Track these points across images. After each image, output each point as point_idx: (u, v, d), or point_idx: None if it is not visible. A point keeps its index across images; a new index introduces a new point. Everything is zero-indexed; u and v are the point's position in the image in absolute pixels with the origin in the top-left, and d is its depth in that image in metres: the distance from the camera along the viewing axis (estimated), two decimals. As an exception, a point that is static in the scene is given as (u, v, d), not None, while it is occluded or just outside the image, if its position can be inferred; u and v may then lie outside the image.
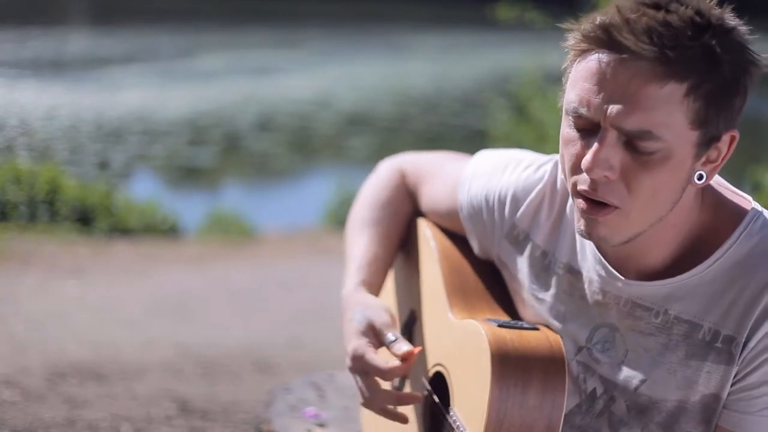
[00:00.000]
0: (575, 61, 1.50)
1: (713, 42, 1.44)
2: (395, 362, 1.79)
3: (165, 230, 9.15)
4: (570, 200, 1.68)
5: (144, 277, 6.91)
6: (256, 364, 4.94)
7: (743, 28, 1.49)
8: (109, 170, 12.03)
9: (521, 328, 1.68)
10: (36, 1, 30.63)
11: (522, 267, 1.78)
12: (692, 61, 1.42)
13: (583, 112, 1.47)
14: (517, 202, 1.78)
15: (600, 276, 1.64)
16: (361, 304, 1.88)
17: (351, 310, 1.88)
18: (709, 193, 1.60)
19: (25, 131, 13.61)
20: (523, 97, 8.88)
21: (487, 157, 1.89)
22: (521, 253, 1.78)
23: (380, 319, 1.84)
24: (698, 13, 1.45)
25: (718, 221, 1.58)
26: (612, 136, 1.46)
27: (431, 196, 1.99)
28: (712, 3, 1.49)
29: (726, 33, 1.46)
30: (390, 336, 1.82)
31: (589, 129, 1.49)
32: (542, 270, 1.74)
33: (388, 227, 2.03)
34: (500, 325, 1.68)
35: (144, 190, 10.95)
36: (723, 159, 1.51)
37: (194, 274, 7.10)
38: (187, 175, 13.00)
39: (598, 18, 1.46)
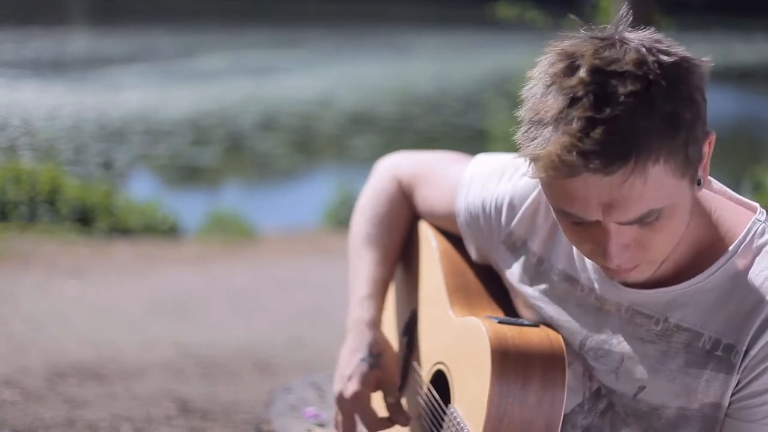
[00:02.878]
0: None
1: (662, 100, 1.39)
2: (384, 416, 1.89)
3: (165, 230, 9.15)
4: None
5: (144, 277, 6.91)
6: (256, 364, 4.94)
7: (678, 50, 1.44)
8: (112, 170, 12.04)
9: (522, 324, 1.68)
10: (37, 1, 30.64)
11: (519, 273, 1.77)
12: (658, 134, 1.39)
13: (576, 219, 1.47)
14: (513, 209, 1.77)
15: (600, 284, 1.64)
16: (374, 346, 1.93)
17: (363, 349, 1.92)
18: (710, 203, 1.60)
19: (27, 131, 13.62)
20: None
21: (484, 162, 1.88)
22: (518, 259, 1.77)
23: (390, 374, 1.92)
24: (631, 78, 1.38)
25: (721, 231, 1.57)
26: (615, 227, 1.45)
27: (428, 200, 1.99)
28: (646, 35, 1.44)
29: (664, 72, 1.40)
30: (394, 396, 1.91)
31: (586, 222, 1.47)
32: (538, 276, 1.74)
33: (389, 244, 2.04)
34: (500, 322, 1.68)
35: (144, 190, 10.96)
36: (709, 156, 1.50)
37: (194, 274, 7.10)
38: (188, 175, 13.00)
39: (551, 154, 1.39)
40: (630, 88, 1.38)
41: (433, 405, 1.87)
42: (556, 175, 1.41)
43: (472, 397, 1.67)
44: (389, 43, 24.22)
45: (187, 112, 15.28)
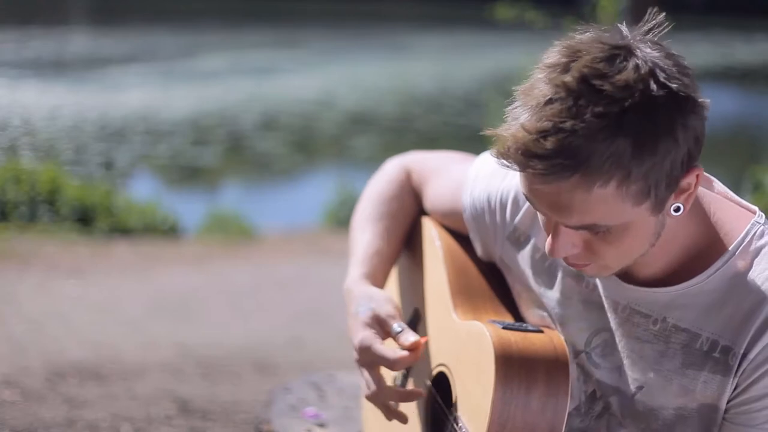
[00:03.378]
0: None
1: (633, 129, 1.37)
2: (402, 352, 1.77)
3: (165, 230, 9.15)
4: None
5: (144, 277, 6.91)
6: (256, 364, 4.94)
7: (672, 75, 1.40)
8: (113, 170, 12.04)
9: (525, 330, 1.68)
10: (37, 1, 30.64)
11: (523, 268, 1.77)
12: (613, 159, 1.38)
13: (532, 205, 1.49)
14: (517, 204, 1.78)
15: (600, 280, 1.64)
16: (365, 296, 1.87)
17: (355, 303, 1.87)
18: (710, 204, 1.60)
19: (28, 131, 13.62)
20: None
21: (489, 159, 1.88)
22: (523, 254, 1.78)
23: (385, 310, 1.83)
24: (612, 100, 1.37)
25: (720, 232, 1.57)
26: (563, 227, 1.47)
27: (435, 196, 1.99)
28: (655, 53, 1.42)
29: (649, 101, 1.38)
30: (396, 327, 1.81)
31: None
32: (543, 271, 1.74)
33: (392, 223, 2.02)
34: (504, 327, 1.68)
35: (144, 190, 10.96)
36: (695, 187, 1.48)
37: (194, 274, 7.10)
38: (188, 175, 13.00)
39: (509, 139, 1.41)
40: (600, 109, 1.37)
41: (434, 407, 1.87)
42: (501, 164, 1.43)
43: (474, 401, 1.66)
44: (389, 43, 24.22)
45: (188, 112, 15.28)
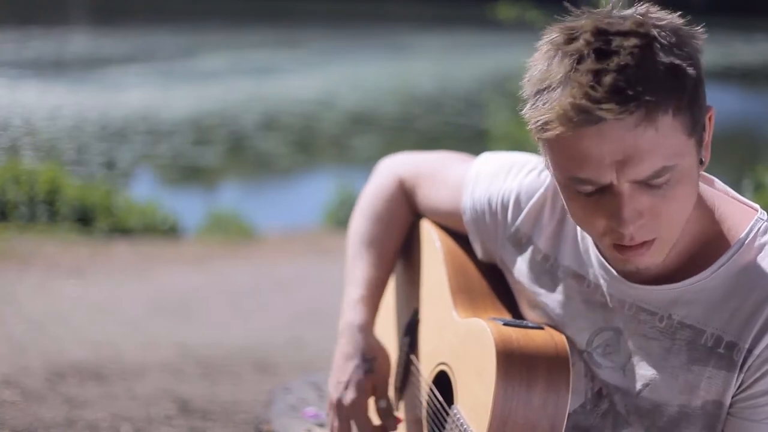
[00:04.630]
0: (552, 140, 1.46)
1: (665, 55, 1.41)
2: (378, 424, 1.90)
3: (165, 230, 9.15)
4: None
5: (144, 277, 6.91)
6: (256, 364, 4.94)
7: (674, 18, 1.47)
8: (114, 170, 12.04)
9: (526, 327, 1.68)
10: (37, 1, 30.65)
11: (524, 270, 1.77)
12: (664, 84, 1.41)
13: (589, 184, 1.46)
14: (519, 205, 1.78)
15: (605, 280, 1.64)
16: (368, 351, 1.93)
17: (357, 356, 1.92)
18: (713, 200, 1.60)
19: (29, 131, 13.62)
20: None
21: (490, 160, 1.89)
22: (523, 256, 1.78)
23: (384, 381, 1.92)
24: (633, 34, 1.42)
25: (723, 228, 1.57)
26: (628, 188, 1.45)
27: (432, 199, 1.98)
28: (641, 7, 1.47)
29: (664, 33, 1.43)
30: (381, 404, 1.92)
31: (597, 190, 1.47)
32: (543, 273, 1.74)
33: (386, 245, 2.04)
34: (505, 324, 1.68)
35: (144, 190, 10.96)
36: (710, 135, 1.52)
37: (194, 274, 7.09)
38: (189, 175, 13.00)
39: (559, 109, 1.41)
40: (633, 41, 1.41)
41: (435, 406, 1.87)
42: (571, 127, 1.41)
43: (476, 398, 1.66)
44: (389, 43, 24.22)
45: (189, 112, 15.28)
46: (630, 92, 1.38)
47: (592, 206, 1.48)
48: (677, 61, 1.42)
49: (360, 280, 2.00)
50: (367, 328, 1.96)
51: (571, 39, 1.44)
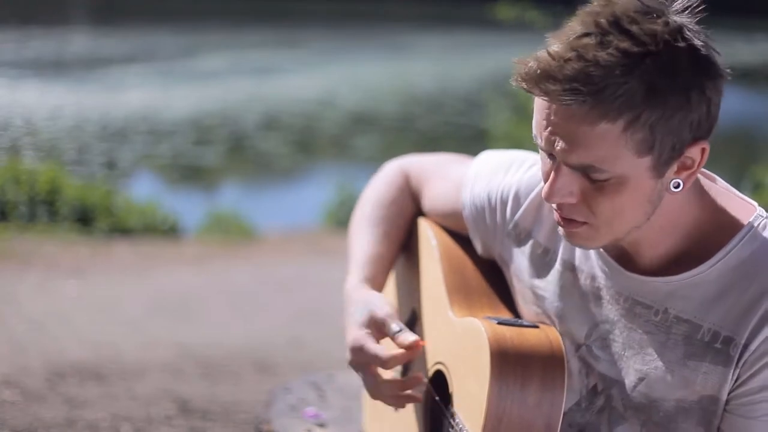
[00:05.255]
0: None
1: (650, 72, 1.41)
2: (395, 351, 1.77)
3: (165, 230, 9.15)
4: None
5: (144, 277, 6.90)
6: (256, 364, 4.94)
7: (698, 40, 1.45)
8: (114, 170, 12.04)
9: (521, 325, 1.68)
10: (37, 1, 30.65)
11: (523, 264, 1.78)
12: (625, 97, 1.41)
13: (539, 142, 1.51)
14: (519, 200, 1.79)
15: (603, 272, 1.65)
16: (363, 299, 1.88)
17: (353, 306, 1.87)
18: (711, 195, 1.60)
19: (29, 131, 13.62)
20: (523, 97, 8.93)
21: (490, 157, 1.91)
22: (523, 250, 1.78)
23: (382, 311, 1.83)
24: (636, 41, 1.42)
25: (721, 223, 1.58)
26: (565, 167, 1.49)
27: (434, 195, 1.99)
28: (667, 17, 1.45)
29: (670, 55, 1.43)
30: (394, 326, 1.81)
31: (550, 155, 1.51)
32: (543, 267, 1.75)
33: (391, 227, 2.03)
34: (500, 323, 1.68)
35: (144, 190, 10.95)
36: (699, 165, 1.51)
37: (194, 274, 7.09)
38: (190, 175, 13.00)
39: (531, 61, 1.46)
40: (624, 46, 1.41)
41: (432, 404, 1.87)
42: (519, 84, 1.47)
43: (471, 397, 1.66)
44: (390, 43, 24.22)
45: (189, 112, 15.28)
46: (581, 87, 1.41)
47: (548, 167, 1.53)
48: (657, 86, 1.41)
49: (361, 253, 1.98)
50: (362, 282, 1.93)
51: (598, 9, 1.46)
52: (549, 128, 1.47)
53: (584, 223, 1.52)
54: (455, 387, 1.76)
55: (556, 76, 1.42)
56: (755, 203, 1.62)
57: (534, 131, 1.51)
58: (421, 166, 2.05)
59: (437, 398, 1.84)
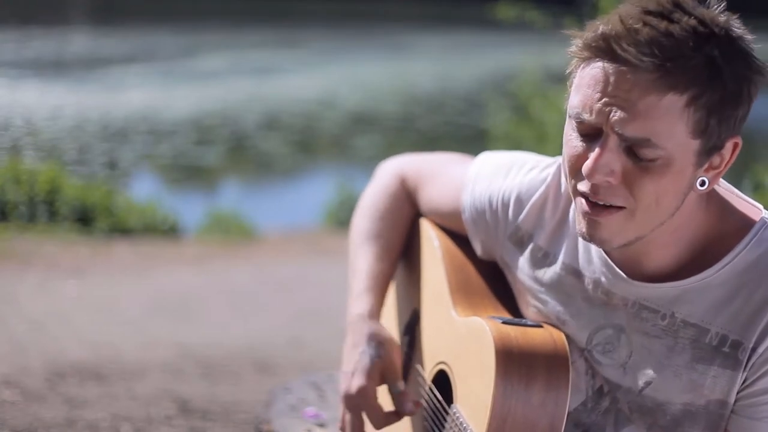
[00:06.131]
0: (579, 66, 1.51)
1: (715, 53, 1.43)
2: (390, 414, 1.83)
3: (165, 230, 9.15)
4: (573, 203, 1.68)
5: (144, 277, 6.90)
6: (256, 364, 4.94)
7: (748, 37, 1.48)
8: (115, 170, 12.04)
9: (525, 325, 1.68)
10: (37, 1, 30.65)
11: (524, 268, 1.78)
12: (693, 72, 1.43)
13: (585, 117, 1.48)
14: (520, 203, 1.78)
15: (606, 277, 1.64)
16: (373, 337, 1.88)
17: (363, 342, 1.87)
18: (717, 199, 1.60)
19: (29, 131, 13.62)
20: (523, 97, 8.92)
21: (490, 159, 1.89)
22: (524, 254, 1.78)
23: (392, 365, 1.86)
24: (701, 22, 1.44)
25: (727, 227, 1.57)
26: (613, 141, 1.46)
27: (433, 198, 1.99)
28: (717, 11, 1.48)
29: (730, 43, 1.46)
30: (399, 386, 1.85)
31: (591, 134, 1.49)
32: (544, 271, 1.74)
33: (390, 240, 2.03)
34: (504, 322, 1.68)
35: (144, 190, 10.95)
36: (726, 165, 1.51)
37: (194, 274, 7.09)
38: (191, 175, 13.00)
39: (601, 26, 1.46)
40: (693, 23, 1.44)
41: (435, 405, 1.87)
42: (592, 52, 1.46)
43: (475, 397, 1.66)
44: (390, 43, 24.22)
45: (190, 112, 15.28)
46: (657, 52, 1.41)
47: (582, 150, 1.50)
48: (721, 63, 1.44)
49: (364, 274, 1.99)
50: (372, 315, 1.93)
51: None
52: (605, 99, 1.45)
53: (620, 209, 1.49)
54: (458, 387, 1.75)
55: (632, 39, 1.43)
56: (761, 206, 1.62)
57: (577, 108, 1.48)
58: (418, 167, 2.04)
59: (440, 398, 1.84)
